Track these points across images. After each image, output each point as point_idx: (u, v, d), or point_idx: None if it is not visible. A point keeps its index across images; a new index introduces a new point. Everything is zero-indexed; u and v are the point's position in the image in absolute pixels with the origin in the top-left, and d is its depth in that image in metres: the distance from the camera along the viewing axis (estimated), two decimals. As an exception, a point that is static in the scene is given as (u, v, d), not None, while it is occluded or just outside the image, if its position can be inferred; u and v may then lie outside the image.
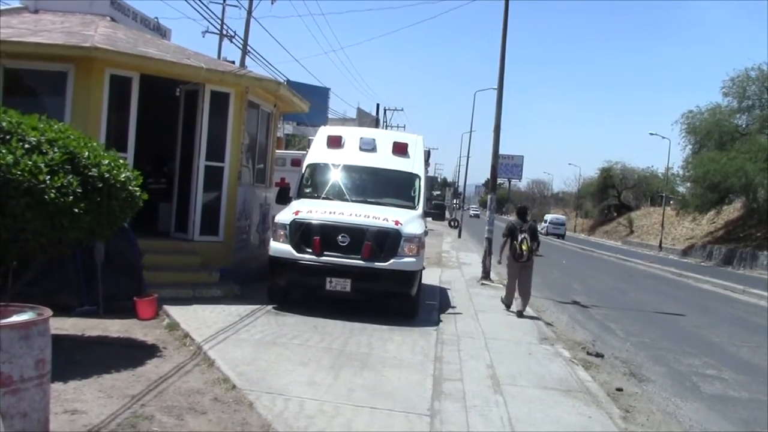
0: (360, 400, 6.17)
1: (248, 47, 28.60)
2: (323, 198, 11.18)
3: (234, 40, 30.20)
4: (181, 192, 11.79)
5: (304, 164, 12.00)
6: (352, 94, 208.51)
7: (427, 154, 13.09)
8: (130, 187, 6.92)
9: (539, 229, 15.89)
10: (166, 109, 12.25)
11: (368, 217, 10.24)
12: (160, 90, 11.50)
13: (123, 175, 6.83)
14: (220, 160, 11.80)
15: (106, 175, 6.60)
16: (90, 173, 6.47)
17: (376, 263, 9.91)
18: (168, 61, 11.00)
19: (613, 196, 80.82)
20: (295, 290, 10.54)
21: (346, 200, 11.11)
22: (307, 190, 11.50)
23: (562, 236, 63.03)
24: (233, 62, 24.16)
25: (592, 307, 15.62)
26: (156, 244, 11.00)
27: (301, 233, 9.99)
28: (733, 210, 48.73)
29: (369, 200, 11.20)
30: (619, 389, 8.07)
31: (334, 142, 12.05)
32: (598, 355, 9.92)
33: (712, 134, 44.16)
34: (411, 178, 11.83)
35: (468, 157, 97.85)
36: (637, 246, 56.92)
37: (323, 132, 12.65)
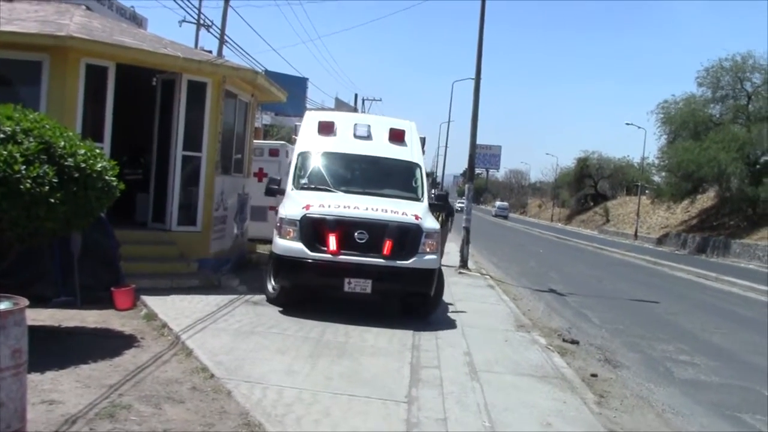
0: (338, 388, 6.23)
1: (225, 37, 28.42)
2: (324, 190, 10.19)
3: (211, 30, 29.87)
4: (158, 182, 11.72)
5: (295, 152, 11.03)
6: (330, 84, 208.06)
7: (423, 142, 12.55)
8: (106, 177, 6.88)
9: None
10: (143, 98, 12.16)
11: (386, 211, 9.52)
12: (136, 79, 11.42)
13: (99, 165, 6.79)
14: (197, 150, 11.73)
15: (83, 165, 6.56)
16: (66, 163, 6.43)
17: (397, 262, 9.25)
18: (144, 50, 10.91)
19: (589, 186, 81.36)
20: (305, 293, 9.91)
21: (350, 192, 10.21)
22: (303, 182, 10.44)
23: (506, 217, 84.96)
24: (210, 52, 24.01)
25: (568, 294, 15.78)
26: (133, 234, 10.94)
27: (315, 230, 9.20)
28: (706, 199, 49.32)
29: (371, 192, 10.37)
30: (594, 375, 8.21)
31: (326, 128, 11.12)
32: (574, 342, 10.07)
33: (686, 124, 44.60)
34: (411, 167, 11.12)
35: (446, 147, 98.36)
36: (613, 235, 57.42)
37: (313, 117, 11.66)
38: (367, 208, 9.47)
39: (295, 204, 9.66)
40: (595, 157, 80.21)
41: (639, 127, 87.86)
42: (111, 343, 7.15)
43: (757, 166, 40.72)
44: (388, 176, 11.12)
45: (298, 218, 9.25)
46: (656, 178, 55.94)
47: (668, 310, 15.17)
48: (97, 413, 5.05)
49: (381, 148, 11.16)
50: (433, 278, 9.61)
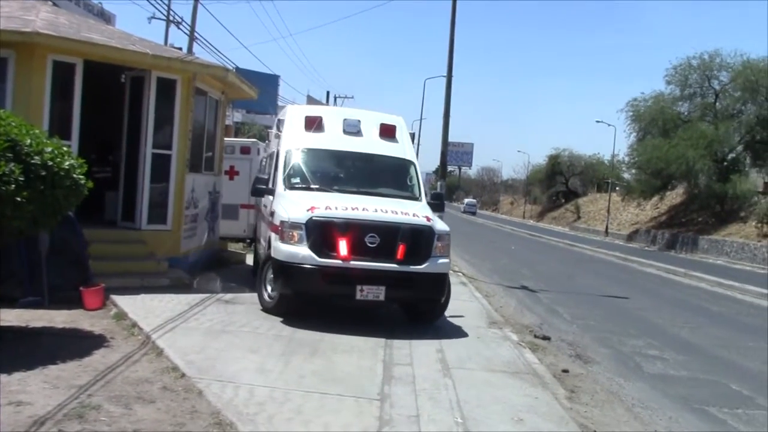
0: (310, 386, 6.21)
1: (196, 33, 28.15)
2: (318, 190, 9.69)
3: (181, 27, 29.57)
4: (127, 180, 11.58)
5: (282, 150, 10.28)
6: (301, 82, 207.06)
7: (412, 138, 12.21)
8: (74, 175, 6.80)
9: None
10: (112, 96, 12.01)
11: (396, 213, 9.00)
12: (104, 77, 11.25)
13: (67, 163, 6.70)
14: (167, 147, 11.60)
15: (49, 163, 6.47)
16: (32, 161, 6.34)
17: (411, 266, 8.77)
18: (112, 46, 10.77)
19: (560, 183, 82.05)
20: (308, 301, 9.27)
21: (345, 192, 9.71)
22: (295, 181, 9.89)
23: (474, 213, 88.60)
24: (180, 49, 23.80)
25: (539, 291, 15.91)
26: (102, 233, 10.81)
27: (322, 233, 8.61)
28: (675, 196, 50.01)
29: (367, 191, 9.86)
30: (565, 370, 8.28)
31: (313, 123, 10.42)
32: (545, 338, 10.16)
33: (656, 121, 45.21)
34: (405, 164, 10.68)
35: (418, 144, 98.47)
36: (584, 231, 58.02)
37: (298, 112, 11.06)
38: (376, 210, 8.94)
39: (294, 205, 9.04)
40: (566, 155, 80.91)
41: (609, 125, 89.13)
42: (80, 343, 7.05)
43: (725, 163, 41.51)
44: (383, 174, 10.74)
45: (304, 221, 8.62)
46: (626, 175, 56.64)
47: (638, 305, 15.35)
48: (66, 414, 4.98)
49: (372, 144, 10.65)
50: (445, 283, 9.34)
